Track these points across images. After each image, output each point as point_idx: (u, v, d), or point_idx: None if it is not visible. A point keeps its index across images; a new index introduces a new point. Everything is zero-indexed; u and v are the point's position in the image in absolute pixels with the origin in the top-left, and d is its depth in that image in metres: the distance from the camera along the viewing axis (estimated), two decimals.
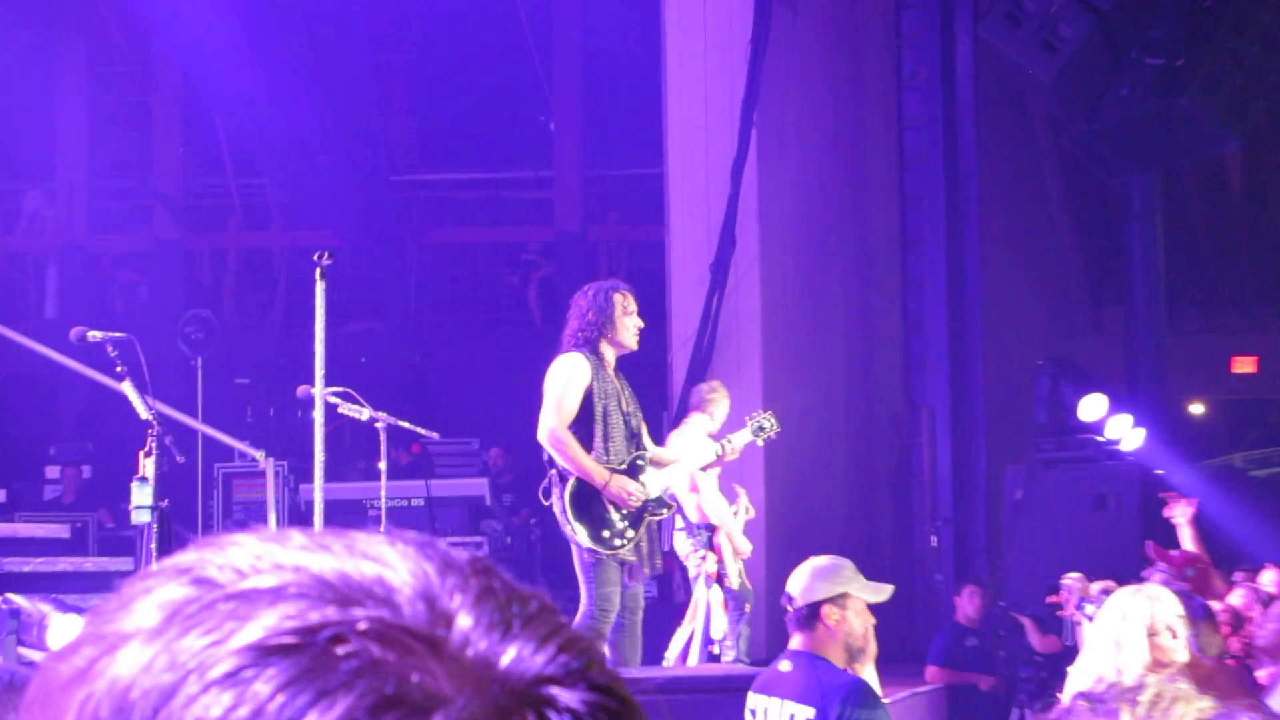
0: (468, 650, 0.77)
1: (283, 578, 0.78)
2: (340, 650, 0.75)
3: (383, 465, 10.09)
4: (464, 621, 0.78)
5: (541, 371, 8.36)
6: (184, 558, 0.81)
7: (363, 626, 0.76)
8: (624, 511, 8.22)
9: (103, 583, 10.40)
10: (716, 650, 9.64)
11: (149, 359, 8.77)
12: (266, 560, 0.79)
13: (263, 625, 0.76)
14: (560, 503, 8.23)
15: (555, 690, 0.78)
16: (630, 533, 8.25)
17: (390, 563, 0.80)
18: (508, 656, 0.78)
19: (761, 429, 9.18)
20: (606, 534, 8.19)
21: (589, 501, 8.20)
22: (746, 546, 9.92)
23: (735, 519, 9.95)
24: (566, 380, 8.19)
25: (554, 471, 8.29)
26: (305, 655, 0.75)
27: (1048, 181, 20.76)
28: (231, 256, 20.12)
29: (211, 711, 0.74)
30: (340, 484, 12.53)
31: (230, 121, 18.66)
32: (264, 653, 0.75)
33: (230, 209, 20.07)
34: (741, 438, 9.12)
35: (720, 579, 9.67)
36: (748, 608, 9.88)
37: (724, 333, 13.44)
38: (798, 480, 13.78)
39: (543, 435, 8.20)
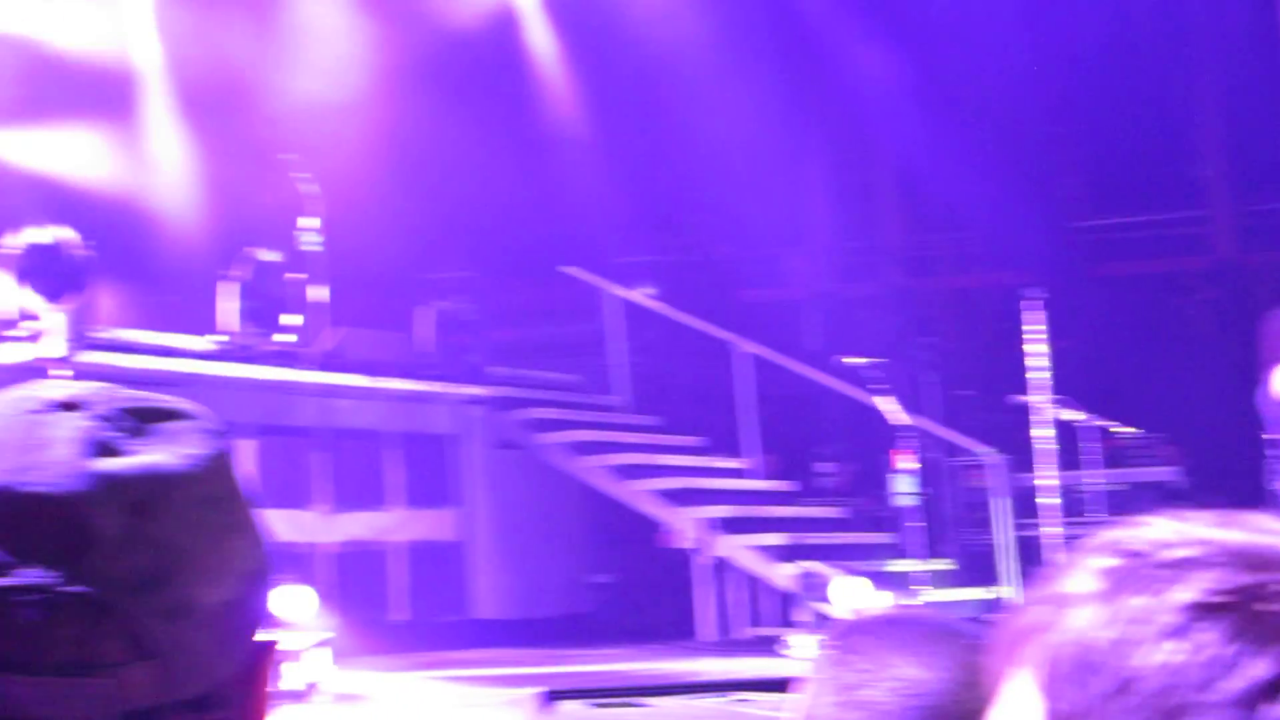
0: None
1: (1200, 549, 0.75)
2: (1261, 608, 0.71)
3: (1084, 456, 9.91)
4: None
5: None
6: (1108, 535, 0.79)
7: (1277, 589, 0.72)
8: None
9: (869, 553, 10.58)
10: None
11: (892, 379, 8.98)
12: (1183, 535, 0.76)
13: (1195, 587, 0.73)
14: None
15: None
16: None
17: None
18: None
19: None
20: None
21: None
22: None
23: None
24: None
25: None
26: (1236, 612, 0.71)
27: None
28: (943, 295, 20.26)
29: (1169, 658, 0.71)
30: (1050, 472, 12.21)
31: (936, 191, 18.88)
32: (1202, 609, 0.72)
33: (940, 259, 20.25)
34: None
35: None
36: None
37: None
38: None
39: None
